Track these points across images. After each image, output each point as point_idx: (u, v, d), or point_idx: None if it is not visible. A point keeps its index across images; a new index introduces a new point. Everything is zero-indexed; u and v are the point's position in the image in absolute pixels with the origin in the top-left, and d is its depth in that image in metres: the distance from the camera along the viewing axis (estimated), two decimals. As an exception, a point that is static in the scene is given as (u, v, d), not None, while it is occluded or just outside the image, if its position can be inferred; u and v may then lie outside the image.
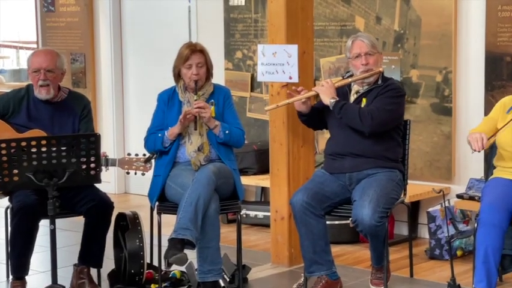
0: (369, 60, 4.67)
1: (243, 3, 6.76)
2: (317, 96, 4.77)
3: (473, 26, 5.64)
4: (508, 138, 4.52)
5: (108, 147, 7.25)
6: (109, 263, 4.91)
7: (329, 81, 4.72)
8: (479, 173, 5.52)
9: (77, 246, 4.80)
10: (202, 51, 4.88)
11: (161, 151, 4.86)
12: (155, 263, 4.93)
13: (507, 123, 4.43)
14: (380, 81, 4.72)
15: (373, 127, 4.56)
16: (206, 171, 4.64)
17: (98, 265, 4.78)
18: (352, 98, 4.74)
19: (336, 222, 5.71)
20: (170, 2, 7.29)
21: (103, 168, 4.56)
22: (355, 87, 4.76)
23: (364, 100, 4.68)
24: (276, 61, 5.10)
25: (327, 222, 4.68)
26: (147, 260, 4.86)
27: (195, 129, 4.78)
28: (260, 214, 6.34)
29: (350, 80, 4.73)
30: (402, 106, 4.74)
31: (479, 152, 4.36)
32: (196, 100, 4.79)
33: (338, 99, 4.64)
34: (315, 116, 4.85)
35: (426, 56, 5.83)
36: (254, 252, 5.64)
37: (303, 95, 4.75)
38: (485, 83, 5.59)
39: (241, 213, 4.99)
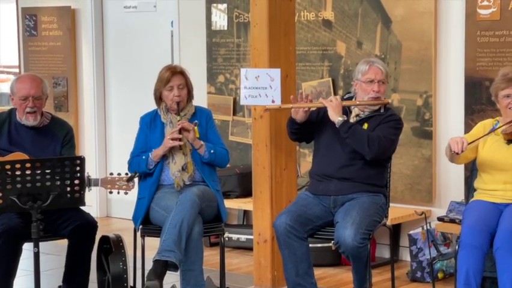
0: (381, 88, 4.70)
1: (226, 28, 6.82)
2: (307, 110, 4.76)
3: (452, 51, 5.73)
4: (488, 159, 4.57)
5: (90, 169, 7.23)
6: (92, 286, 4.90)
7: (338, 98, 4.72)
8: (460, 196, 5.58)
9: (60, 270, 4.79)
10: (182, 73, 4.93)
11: (145, 173, 4.88)
12: (139, 286, 4.92)
13: (488, 134, 4.48)
14: (382, 110, 4.75)
15: (378, 154, 4.58)
16: (190, 194, 4.66)
17: (83, 286, 4.77)
18: (352, 120, 4.74)
19: (319, 245, 5.73)
20: (152, 27, 7.34)
21: (86, 188, 4.57)
22: (355, 110, 4.77)
23: (366, 125, 4.69)
24: (259, 85, 5.14)
25: (310, 245, 4.70)
26: (130, 283, 4.85)
27: (180, 149, 4.81)
28: (243, 237, 6.36)
29: (357, 102, 4.72)
30: (399, 137, 4.78)
31: (458, 154, 4.41)
32: (179, 121, 4.83)
33: (346, 118, 4.65)
34: (305, 128, 4.84)
35: (407, 81, 5.90)
36: (237, 275, 5.65)
37: (309, 104, 4.74)
38: (465, 107, 5.66)
39: (224, 237, 5.00)
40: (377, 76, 4.69)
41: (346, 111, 4.75)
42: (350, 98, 4.79)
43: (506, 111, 4.57)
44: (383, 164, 4.74)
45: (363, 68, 4.73)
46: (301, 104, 4.74)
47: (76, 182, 4.29)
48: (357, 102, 4.73)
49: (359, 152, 4.60)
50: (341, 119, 4.62)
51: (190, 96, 4.97)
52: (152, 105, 5.04)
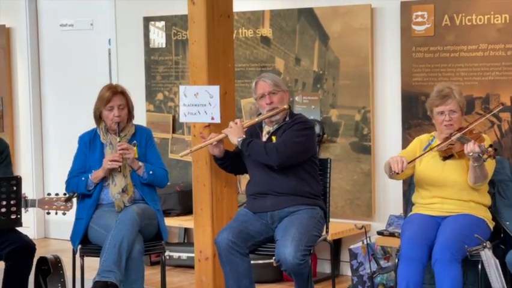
0: (273, 99, 4.76)
1: (164, 46, 6.82)
2: (216, 145, 4.81)
3: (389, 66, 5.82)
4: (425, 175, 4.66)
5: (27, 190, 7.13)
6: (30, 308, 4.83)
7: (238, 122, 4.80)
8: (399, 210, 5.65)
9: (-3, 293, 4.72)
10: (123, 93, 4.91)
11: (84, 194, 4.83)
12: (78, 307, 4.87)
13: (426, 153, 4.56)
14: (287, 118, 4.82)
15: (280, 159, 4.63)
16: (130, 212, 4.64)
17: None
18: (264, 138, 4.82)
19: (260, 261, 5.75)
20: (89, 45, 7.29)
21: (23, 209, 4.51)
22: (266, 128, 4.85)
23: (274, 138, 4.76)
24: (198, 102, 5.14)
25: (252, 262, 4.72)
26: (70, 304, 4.81)
27: (119, 171, 4.79)
28: (184, 255, 6.34)
29: (257, 119, 4.82)
30: (311, 138, 4.81)
31: (398, 174, 4.48)
32: (119, 142, 4.80)
33: (244, 137, 4.72)
34: (232, 160, 4.90)
35: (345, 96, 5.98)
36: (178, 294, 5.63)
37: (213, 138, 4.80)
38: (402, 121, 5.75)
39: (165, 255, 4.98)
40: (265, 89, 4.77)
41: (258, 131, 4.83)
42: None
43: (440, 127, 4.66)
44: (309, 171, 4.77)
45: (253, 86, 4.86)
46: (208, 142, 4.80)
47: (12, 202, 4.25)
48: (256, 119, 4.82)
49: (266, 163, 4.65)
50: (239, 139, 4.70)
51: (130, 116, 4.96)
52: (90, 124, 5.01)
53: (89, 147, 4.92)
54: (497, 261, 3.43)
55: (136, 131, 4.97)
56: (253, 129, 4.84)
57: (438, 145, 4.60)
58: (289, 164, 4.67)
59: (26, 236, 4.68)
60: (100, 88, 4.99)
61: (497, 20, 5.35)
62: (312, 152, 4.82)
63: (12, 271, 4.61)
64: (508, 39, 5.32)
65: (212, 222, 5.19)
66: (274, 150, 4.63)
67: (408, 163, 4.49)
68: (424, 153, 4.60)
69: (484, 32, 5.40)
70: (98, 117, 4.93)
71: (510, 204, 4.68)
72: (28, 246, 4.62)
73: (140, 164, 4.82)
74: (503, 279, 3.40)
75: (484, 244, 3.45)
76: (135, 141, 4.88)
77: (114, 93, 4.87)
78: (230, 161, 4.90)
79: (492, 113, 4.82)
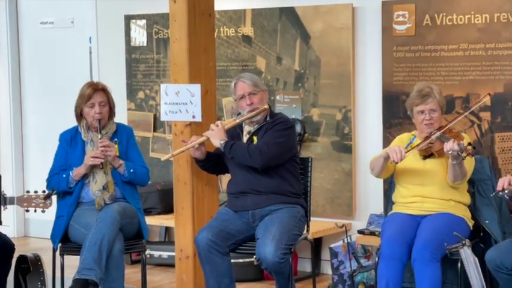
0: (253, 99, 4.76)
1: (145, 44, 6.80)
2: (198, 148, 4.81)
3: (370, 66, 5.84)
4: (406, 175, 4.69)
5: (7, 188, 7.11)
6: (9, 307, 4.82)
7: (219, 124, 4.79)
8: (379, 209, 5.68)
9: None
10: (104, 90, 4.91)
11: (65, 191, 4.82)
12: (58, 306, 4.86)
13: (418, 145, 4.58)
14: (268, 118, 4.82)
15: (264, 161, 4.64)
16: (110, 210, 4.63)
17: None
18: (245, 138, 4.82)
19: (241, 260, 5.75)
20: (70, 43, 7.27)
21: (2, 207, 4.49)
22: (246, 128, 4.85)
23: (255, 138, 4.76)
24: (179, 100, 5.14)
25: (232, 260, 4.72)
26: (50, 303, 4.79)
27: (101, 167, 4.78)
28: (164, 254, 6.33)
29: (238, 121, 4.81)
30: (293, 137, 4.82)
31: (396, 163, 4.52)
32: (100, 139, 4.79)
33: (227, 139, 4.71)
34: (213, 162, 4.90)
35: (326, 95, 5.99)
36: (159, 293, 5.63)
37: (195, 141, 4.80)
38: (383, 120, 5.77)
39: (146, 254, 4.98)
40: (245, 90, 4.76)
41: (239, 132, 4.83)
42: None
43: (421, 126, 4.69)
44: (290, 170, 4.78)
45: (232, 87, 4.85)
46: (189, 145, 4.79)
47: (-8, 200, 4.21)
48: (238, 121, 4.81)
49: (250, 165, 4.66)
50: (222, 142, 4.71)
51: (111, 113, 4.95)
52: (71, 122, 5.00)
53: (70, 144, 4.91)
54: (476, 259, 3.45)
55: (117, 129, 4.97)
56: (234, 130, 4.84)
57: (418, 144, 4.63)
58: (273, 164, 4.68)
59: (4, 235, 4.66)
60: (81, 86, 4.97)
61: (478, 20, 5.38)
62: (294, 151, 4.84)
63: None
64: (488, 39, 5.36)
65: (193, 221, 5.19)
66: (258, 153, 4.63)
67: (407, 152, 4.52)
68: (418, 145, 4.60)
69: (465, 32, 5.43)
70: (79, 115, 4.92)
71: (489, 203, 4.71)
72: (7, 246, 4.59)
73: (121, 162, 4.82)
74: (482, 276, 3.43)
75: (463, 242, 3.48)
76: (116, 139, 4.88)
77: (95, 90, 4.87)
78: (211, 163, 4.91)
79: (471, 110, 4.84)
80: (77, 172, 4.79)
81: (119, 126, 4.99)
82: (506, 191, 4.12)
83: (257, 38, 6.26)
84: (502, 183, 4.17)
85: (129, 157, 4.90)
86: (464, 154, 4.33)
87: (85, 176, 4.82)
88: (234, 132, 4.83)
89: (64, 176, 4.80)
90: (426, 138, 4.62)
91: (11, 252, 4.61)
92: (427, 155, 4.64)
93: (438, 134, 4.56)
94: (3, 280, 4.62)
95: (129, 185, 4.87)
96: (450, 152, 4.37)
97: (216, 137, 4.73)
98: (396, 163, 4.54)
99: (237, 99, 4.82)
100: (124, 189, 4.84)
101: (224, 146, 4.70)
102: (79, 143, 4.90)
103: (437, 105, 4.65)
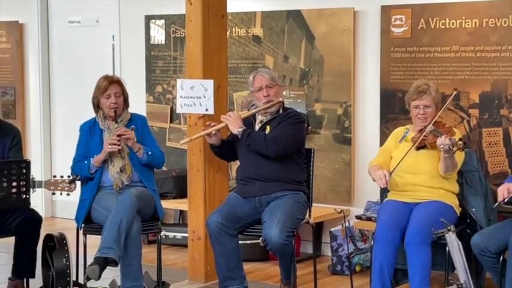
0: (269, 92, 4.78)
1: (163, 42, 6.82)
2: (215, 134, 4.83)
3: (369, 65, 5.84)
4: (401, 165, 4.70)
5: (36, 172, 7.16)
6: (38, 281, 4.85)
7: (235, 112, 4.82)
8: (376, 196, 5.68)
9: (8, 266, 4.73)
10: (118, 82, 4.93)
11: (87, 177, 4.86)
12: (81, 280, 4.89)
13: (402, 159, 4.57)
14: (281, 111, 4.84)
15: (278, 151, 4.66)
16: (129, 194, 4.66)
17: (31, 275, 4.71)
18: (257, 127, 4.84)
19: (248, 241, 5.78)
20: (95, 40, 7.29)
21: (31, 190, 4.53)
22: (259, 118, 4.87)
23: (268, 127, 4.78)
24: (194, 94, 5.16)
25: (240, 242, 4.75)
26: (73, 278, 4.82)
27: (119, 153, 4.81)
28: (178, 235, 6.37)
29: (254, 111, 4.84)
30: (303, 131, 4.85)
31: (382, 188, 4.58)
32: (117, 127, 4.82)
33: (245, 128, 4.73)
34: (226, 148, 4.93)
35: (328, 91, 6.00)
36: (173, 270, 5.65)
37: (214, 128, 4.82)
38: (380, 116, 5.78)
39: (161, 234, 5.01)
40: (263, 83, 4.78)
41: (251, 121, 4.84)
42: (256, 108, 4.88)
43: (415, 120, 4.70)
44: (296, 161, 4.80)
45: (250, 79, 4.86)
46: (208, 130, 4.82)
47: (22, 183, 4.26)
48: (254, 111, 4.83)
49: (264, 153, 4.67)
50: (240, 129, 4.72)
51: (126, 103, 4.96)
52: (93, 113, 5.02)
53: (90, 134, 4.93)
54: (460, 243, 3.47)
55: (132, 117, 4.98)
56: (248, 119, 4.85)
57: (413, 137, 4.64)
58: (284, 154, 4.70)
59: (33, 209, 4.68)
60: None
61: (468, 25, 5.38)
62: (303, 144, 4.86)
63: (22, 240, 4.60)
64: (477, 42, 5.35)
65: (205, 205, 5.23)
66: (273, 142, 4.64)
67: (390, 173, 4.52)
68: (401, 160, 4.57)
69: (456, 35, 5.43)
70: (97, 106, 4.94)
71: (476, 192, 4.72)
72: (34, 217, 4.62)
73: (140, 145, 4.85)
74: (464, 259, 3.45)
75: (448, 228, 3.49)
76: (133, 126, 4.90)
77: (111, 82, 4.88)
78: (226, 149, 4.92)
79: (448, 100, 4.77)
80: (96, 159, 4.82)
81: (134, 115, 5.01)
82: (506, 200, 4.11)
83: (266, 38, 6.27)
84: (502, 193, 4.16)
85: (145, 142, 4.92)
86: (455, 148, 4.33)
87: (105, 162, 4.84)
88: (248, 121, 4.84)
89: (86, 162, 4.83)
90: (421, 131, 4.63)
91: (38, 223, 4.64)
92: (420, 146, 4.65)
93: (432, 128, 4.57)
94: (34, 248, 4.65)
95: (146, 168, 4.89)
96: (442, 147, 4.37)
97: (235, 125, 4.74)
98: (382, 188, 4.55)
99: (254, 90, 4.82)
100: (141, 172, 4.86)
101: (242, 133, 4.71)
102: (97, 132, 4.92)
103: (431, 102, 4.65)
